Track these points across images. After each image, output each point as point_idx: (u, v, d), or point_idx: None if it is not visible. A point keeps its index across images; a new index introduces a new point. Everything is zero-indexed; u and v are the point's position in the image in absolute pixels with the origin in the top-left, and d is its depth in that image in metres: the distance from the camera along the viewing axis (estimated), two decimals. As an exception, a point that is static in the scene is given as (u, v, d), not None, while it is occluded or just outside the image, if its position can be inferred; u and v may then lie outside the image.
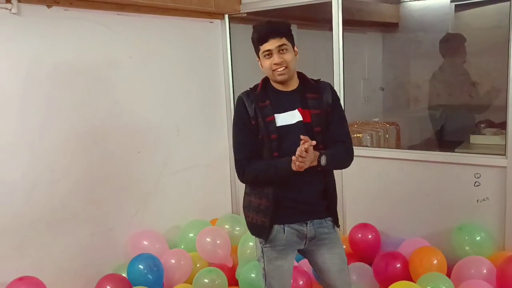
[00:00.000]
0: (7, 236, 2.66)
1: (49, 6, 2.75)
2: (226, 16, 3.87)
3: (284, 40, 1.99)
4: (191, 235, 3.42)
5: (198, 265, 3.21)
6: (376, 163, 3.39)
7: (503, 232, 2.91)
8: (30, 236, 2.75)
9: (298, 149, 1.86)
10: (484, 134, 3.91)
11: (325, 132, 2.07)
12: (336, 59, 3.38)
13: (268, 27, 1.99)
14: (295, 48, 2.07)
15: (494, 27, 4.18)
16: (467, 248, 2.92)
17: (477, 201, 2.98)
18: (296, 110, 2.05)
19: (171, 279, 3.04)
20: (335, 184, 2.17)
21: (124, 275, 3.00)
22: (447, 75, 4.53)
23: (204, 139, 3.83)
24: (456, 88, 4.63)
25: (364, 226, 3.28)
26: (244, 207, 2.19)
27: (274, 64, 1.99)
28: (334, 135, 2.09)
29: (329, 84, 2.15)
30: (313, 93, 2.08)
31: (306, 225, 2.09)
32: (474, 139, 3.86)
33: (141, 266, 2.93)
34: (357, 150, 3.40)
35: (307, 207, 2.09)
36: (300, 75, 2.13)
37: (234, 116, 2.15)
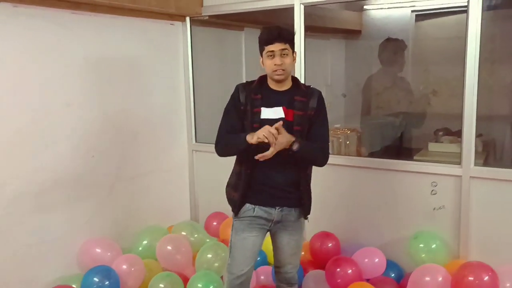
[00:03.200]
0: None
1: (-4, 2, 2.61)
2: (188, 19, 3.79)
3: (287, 46, 2.24)
4: (145, 242, 3.32)
5: (152, 273, 3.10)
6: (336, 170, 3.37)
7: (457, 240, 2.94)
8: (-29, 244, 2.59)
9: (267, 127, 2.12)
10: (442, 142, 3.99)
11: (304, 133, 2.29)
12: (298, 65, 3.36)
13: (277, 32, 2.22)
14: (294, 55, 2.32)
15: (453, 37, 4.27)
16: (423, 255, 2.94)
17: (434, 209, 3.01)
18: (281, 108, 2.28)
19: (124, 285, 2.93)
20: (309, 179, 2.41)
21: (74, 286, 2.87)
22: (381, 81, 4.59)
23: (163, 143, 3.74)
24: (396, 95, 4.71)
25: (325, 235, 3.26)
26: (227, 185, 2.47)
27: (275, 64, 2.23)
28: (312, 137, 2.32)
29: (318, 91, 2.38)
30: (301, 97, 2.31)
31: (275, 209, 2.33)
32: (432, 146, 3.93)
33: (96, 279, 2.81)
34: (317, 157, 3.45)
35: (276, 192, 2.32)
36: (294, 79, 2.39)
37: (229, 99, 2.39)
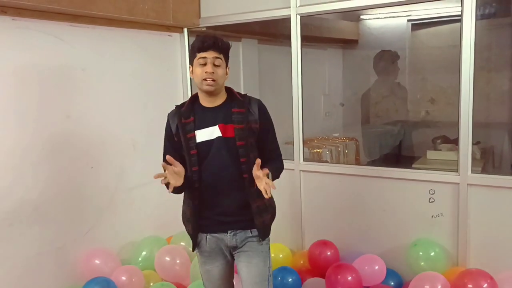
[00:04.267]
0: None
1: (-5, 15, 2.64)
2: (185, 30, 3.83)
3: (221, 56, 2.09)
4: (144, 252, 3.32)
5: (151, 284, 3.11)
6: (335, 179, 3.39)
7: (456, 248, 2.94)
8: (-30, 257, 2.59)
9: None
10: (440, 150, 4.01)
11: (249, 147, 2.12)
12: (295, 75, 3.39)
13: (212, 40, 2.07)
14: (227, 69, 2.16)
15: (448, 46, 4.31)
16: (422, 263, 2.94)
17: (432, 217, 3.02)
18: (217, 126, 2.12)
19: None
20: (260, 194, 2.04)
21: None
22: (378, 91, 4.65)
23: (161, 154, 3.74)
24: (394, 104, 4.76)
25: (323, 244, 3.27)
26: (182, 216, 2.31)
27: (205, 72, 2.06)
28: (265, 150, 2.20)
29: (257, 100, 2.21)
30: (238, 108, 2.14)
31: (227, 234, 2.17)
32: (431, 154, 3.95)
33: None
34: (316, 166, 3.48)
35: (226, 218, 2.16)
36: (228, 90, 2.21)
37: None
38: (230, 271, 2.31)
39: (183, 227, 3.85)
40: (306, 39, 3.52)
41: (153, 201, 3.67)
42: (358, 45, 5.31)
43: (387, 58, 4.58)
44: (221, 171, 2.12)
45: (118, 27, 3.32)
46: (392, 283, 3.03)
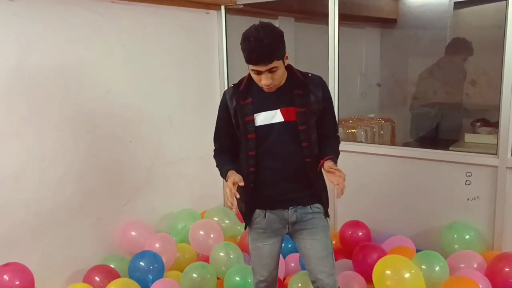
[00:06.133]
0: (-6, 224, 2.64)
1: (41, -8, 2.72)
2: (223, 7, 3.83)
3: (273, 64, 1.90)
4: (181, 225, 3.41)
5: (186, 256, 3.21)
6: (369, 159, 3.37)
7: (492, 231, 2.90)
8: (17, 224, 2.73)
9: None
10: (479, 133, 3.91)
11: (310, 131, 2.04)
12: (331, 54, 3.36)
13: (258, 53, 1.86)
14: (285, 57, 1.97)
15: (492, 26, 4.15)
16: (456, 246, 2.92)
17: (468, 199, 2.97)
18: (278, 110, 2.01)
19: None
20: (320, 173, 2.11)
21: (112, 266, 2.99)
22: (444, 72, 4.50)
23: (197, 131, 3.81)
24: (453, 86, 4.62)
25: (355, 224, 3.27)
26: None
27: (261, 81, 1.95)
28: (327, 132, 2.13)
29: (319, 78, 2.09)
30: (300, 89, 2.03)
31: (288, 210, 2.11)
32: (469, 137, 3.86)
33: (142, 264, 2.89)
34: (351, 146, 3.46)
35: (286, 196, 2.10)
36: (289, 69, 2.06)
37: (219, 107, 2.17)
38: (279, 249, 2.26)
39: (217, 203, 3.95)
40: (343, 18, 3.47)
41: (189, 176, 3.76)
42: (397, 25, 5.18)
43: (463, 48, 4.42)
44: (283, 156, 2.04)
45: (156, 4, 3.36)
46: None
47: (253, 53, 1.87)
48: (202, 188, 3.89)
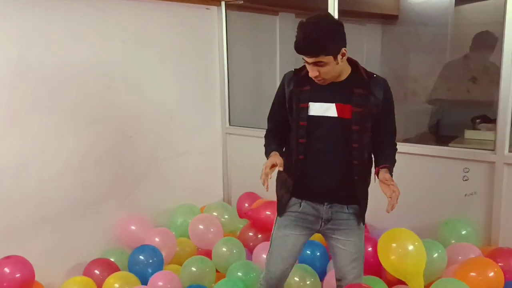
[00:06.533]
0: (-5, 216, 2.68)
1: (41, -13, 2.75)
2: (223, 3, 3.84)
3: (320, 58, 1.85)
4: (180, 220, 3.44)
5: (186, 250, 3.24)
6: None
7: (489, 227, 2.91)
8: (18, 217, 2.77)
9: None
10: (479, 130, 3.90)
11: (364, 132, 2.00)
12: (331, 50, 3.36)
13: (303, 45, 1.85)
14: (341, 53, 1.90)
15: (493, 22, 4.15)
16: (453, 241, 2.92)
17: (465, 195, 2.98)
18: (333, 104, 1.97)
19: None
20: (365, 179, 2.13)
21: (112, 259, 3.02)
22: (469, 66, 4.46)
23: (197, 126, 3.84)
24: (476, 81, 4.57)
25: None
26: (276, 179, 2.22)
27: (309, 73, 1.94)
28: (384, 137, 2.11)
29: (384, 80, 2.03)
30: (362, 89, 1.97)
31: (323, 206, 2.08)
32: (469, 134, 3.85)
33: (141, 257, 2.92)
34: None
35: (324, 191, 2.07)
36: (354, 64, 2.02)
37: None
38: (303, 245, 2.20)
39: (216, 198, 3.97)
40: (344, 14, 3.48)
41: (188, 171, 3.78)
42: (398, 21, 5.17)
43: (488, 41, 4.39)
44: (330, 152, 2.01)
45: (157, 0, 3.38)
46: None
47: (298, 44, 1.87)
48: (201, 183, 3.91)
